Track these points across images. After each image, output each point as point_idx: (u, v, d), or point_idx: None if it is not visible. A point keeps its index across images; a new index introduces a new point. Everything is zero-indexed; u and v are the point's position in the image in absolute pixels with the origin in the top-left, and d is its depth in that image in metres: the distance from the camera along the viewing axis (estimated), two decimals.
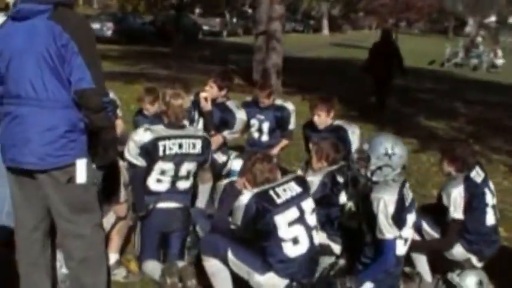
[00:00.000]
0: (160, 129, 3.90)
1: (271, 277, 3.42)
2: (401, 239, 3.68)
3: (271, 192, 3.43)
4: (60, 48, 2.97)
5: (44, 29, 2.99)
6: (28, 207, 3.24)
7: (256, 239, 3.46)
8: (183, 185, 4.00)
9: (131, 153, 3.82)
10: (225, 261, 3.52)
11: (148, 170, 3.92)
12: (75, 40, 2.97)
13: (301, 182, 3.66)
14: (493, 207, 4.32)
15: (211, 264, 3.55)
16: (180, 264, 3.91)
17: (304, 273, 3.53)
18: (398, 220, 3.59)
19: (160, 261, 4.06)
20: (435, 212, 4.29)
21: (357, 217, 3.99)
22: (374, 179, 3.69)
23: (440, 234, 4.22)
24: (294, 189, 3.53)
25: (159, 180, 3.91)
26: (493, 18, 61.99)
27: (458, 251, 4.20)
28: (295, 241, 3.44)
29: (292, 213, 3.45)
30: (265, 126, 5.99)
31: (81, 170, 3.12)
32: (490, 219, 4.28)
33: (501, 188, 7.03)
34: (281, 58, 12.49)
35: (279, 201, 3.41)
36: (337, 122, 5.21)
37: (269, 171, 3.54)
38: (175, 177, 3.94)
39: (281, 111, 6.04)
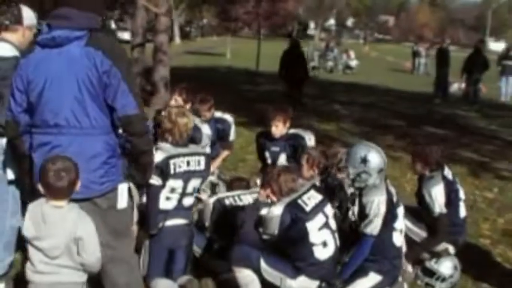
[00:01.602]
0: (168, 147, 3.99)
1: (303, 280, 3.74)
2: (396, 231, 4.17)
3: (300, 201, 3.74)
4: (102, 75, 3.02)
5: (83, 56, 3.02)
6: None
7: (288, 245, 3.72)
8: (188, 201, 4.12)
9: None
10: (257, 271, 3.73)
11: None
12: (117, 66, 3.05)
13: (319, 189, 4.01)
14: (464, 201, 4.96)
15: (245, 275, 3.75)
16: (186, 277, 4.05)
17: (332, 274, 3.86)
18: (391, 216, 4.09)
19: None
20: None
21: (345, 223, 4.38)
22: (356, 185, 4.13)
23: (427, 231, 4.75)
24: (316, 196, 3.87)
25: (168, 198, 4.00)
26: (332, 21, 66.59)
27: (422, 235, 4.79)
28: (324, 244, 3.77)
29: (320, 218, 3.78)
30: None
31: (123, 195, 3.23)
32: (463, 211, 4.92)
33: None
34: (168, 71, 12.65)
35: (307, 209, 3.74)
36: (293, 131, 5.59)
37: (292, 181, 3.81)
38: (183, 194, 4.05)
39: (222, 123, 6.25)
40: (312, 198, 3.82)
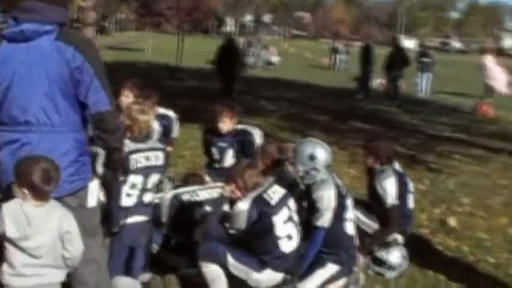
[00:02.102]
0: (127, 143, 3.94)
1: (268, 273, 3.83)
2: (347, 221, 4.35)
3: (265, 196, 3.83)
4: (74, 71, 2.98)
5: (54, 51, 2.96)
6: None
7: (254, 239, 3.78)
8: (148, 197, 4.10)
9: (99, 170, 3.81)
10: (223, 266, 3.78)
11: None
12: (90, 62, 3.01)
13: (283, 183, 4.10)
14: (413, 192, 5.20)
15: (212, 270, 3.79)
16: (148, 275, 4.04)
17: (296, 266, 3.96)
18: (341, 207, 4.28)
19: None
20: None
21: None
22: (306, 182, 4.27)
23: (378, 223, 4.94)
24: (280, 191, 3.96)
25: (128, 195, 3.96)
26: (249, 17, 67.09)
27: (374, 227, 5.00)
28: (289, 237, 3.87)
29: (284, 212, 3.88)
30: None
31: (93, 194, 3.20)
32: (411, 203, 5.16)
33: (351, 175, 8.15)
34: None
35: (273, 203, 3.83)
36: (240, 126, 5.66)
37: (256, 176, 3.88)
38: (143, 190, 4.02)
39: (166, 120, 6.23)
40: (276, 193, 3.91)
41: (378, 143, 5.17)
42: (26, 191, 2.84)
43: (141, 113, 4.02)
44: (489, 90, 18.85)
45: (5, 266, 2.95)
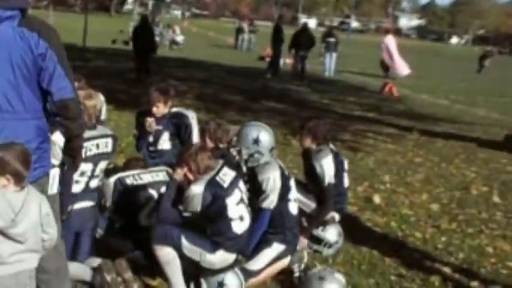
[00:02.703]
0: None
1: (221, 254, 3.88)
2: (291, 201, 4.49)
3: (218, 179, 3.86)
4: (37, 58, 2.93)
5: (17, 37, 2.89)
6: None
7: (208, 221, 3.82)
8: (94, 183, 4.05)
9: (57, 158, 3.71)
10: (178, 248, 3.80)
11: None
12: (53, 49, 2.97)
13: (231, 165, 4.12)
14: (347, 171, 5.38)
15: (166, 253, 3.80)
16: (97, 260, 4.01)
17: (247, 247, 4.04)
18: (285, 188, 4.41)
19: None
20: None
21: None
22: (249, 165, 4.37)
23: (317, 202, 5.08)
24: (230, 173, 4.00)
25: (77, 182, 3.89)
26: None
27: (312, 206, 5.16)
28: (241, 219, 3.93)
29: (236, 194, 3.93)
30: None
31: (54, 181, 3.24)
32: (346, 181, 5.34)
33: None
34: None
35: (225, 185, 3.87)
36: (175, 109, 5.64)
37: (208, 158, 3.90)
38: (91, 177, 3.98)
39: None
40: (227, 175, 3.94)
41: (315, 123, 5.28)
42: (9, 177, 2.80)
43: (88, 98, 3.95)
44: (385, 69, 19.85)
45: None
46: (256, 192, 4.31)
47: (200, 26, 53.36)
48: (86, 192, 3.98)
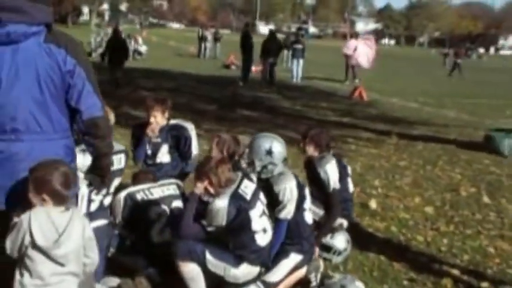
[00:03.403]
0: None
1: (245, 268, 3.87)
2: (307, 211, 4.51)
3: (240, 191, 3.84)
4: (65, 75, 2.87)
5: (44, 54, 2.83)
6: None
7: (232, 235, 3.79)
8: (108, 201, 4.00)
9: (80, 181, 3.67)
10: (202, 264, 3.77)
11: None
12: (81, 65, 2.92)
13: (250, 178, 4.12)
14: (351, 176, 5.43)
15: (190, 269, 3.77)
16: (115, 280, 3.95)
17: (269, 258, 4.04)
18: (301, 198, 4.41)
19: None
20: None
21: None
22: (262, 177, 4.37)
23: (324, 209, 5.10)
24: (250, 185, 4.00)
25: (92, 200, 3.83)
26: (106, 6, 65.26)
27: (320, 214, 5.18)
28: (264, 231, 3.93)
29: (259, 206, 3.93)
30: None
31: (83, 201, 3.36)
32: (351, 187, 5.38)
33: None
34: None
35: (248, 197, 3.87)
36: (174, 121, 5.59)
37: (229, 171, 3.87)
38: (106, 195, 3.92)
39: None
40: (248, 187, 3.94)
41: (317, 131, 5.32)
42: (46, 197, 2.76)
43: None
44: (353, 72, 20.27)
45: (28, 279, 2.80)
46: (272, 203, 4.29)
47: (159, 35, 53.08)
48: (100, 210, 3.93)
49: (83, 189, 3.22)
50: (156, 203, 4.40)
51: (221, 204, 3.70)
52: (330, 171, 4.99)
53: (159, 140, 5.43)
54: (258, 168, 4.31)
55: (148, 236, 4.27)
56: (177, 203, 4.51)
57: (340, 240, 5.14)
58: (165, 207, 4.43)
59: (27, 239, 2.75)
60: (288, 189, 4.25)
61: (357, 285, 4.19)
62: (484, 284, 4.80)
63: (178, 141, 5.48)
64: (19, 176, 2.82)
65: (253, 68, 21.78)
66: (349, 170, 5.43)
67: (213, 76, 21.87)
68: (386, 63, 35.86)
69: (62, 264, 2.82)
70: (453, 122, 14.31)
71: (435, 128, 13.15)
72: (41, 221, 2.76)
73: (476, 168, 9.15)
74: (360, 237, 5.68)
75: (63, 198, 2.82)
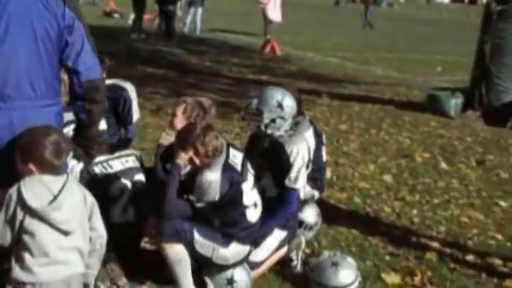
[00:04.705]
0: None
1: (234, 247, 3.95)
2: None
3: (231, 162, 3.89)
4: (63, 30, 2.85)
5: (39, 5, 2.78)
6: None
7: (221, 211, 3.86)
8: None
9: None
10: (190, 244, 3.82)
11: None
12: (80, 20, 2.91)
13: (234, 146, 4.18)
14: (325, 144, 5.60)
15: (177, 251, 3.80)
16: None
17: (259, 236, 4.15)
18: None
19: None
20: None
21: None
22: (268, 131, 4.46)
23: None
24: (238, 154, 4.05)
25: None
26: None
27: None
28: (255, 205, 4.02)
29: (250, 178, 4.00)
30: None
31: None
32: (324, 155, 5.55)
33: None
34: None
35: (239, 168, 3.92)
36: (110, 81, 5.49)
37: (216, 139, 3.90)
38: None
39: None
40: (237, 157, 3.97)
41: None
42: (32, 167, 2.75)
43: None
44: (268, 25, 20.54)
45: (31, 260, 2.77)
46: (280, 167, 4.36)
47: None
48: None
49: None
50: (116, 177, 4.36)
51: (213, 176, 3.73)
52: (307, 137, 4.97)
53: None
54: (266, 121, 4.38)
55: (109, 215, 4.24)
56: (140, 177, 4.50)
57: (310, 214, 5.31)
58: (126, 181, 4.40)
59: (20, 212, 2.73)
60: (301, 152, 4.37)
61: (349, 261, 4.39)
62: (470, 257, 5.15)
63: (115, 105, 5.38)
64: (11, 151, 2.77)
65: (146, 17, 21.45)
66: (324, 138, 5.57)
67: (93, 26, 21.28)
68: (287, 13, 36.36)
69: (65, 233, 2.80)
70: (383, 79, 14.90)
71: (366, 86, 13.65)
72: (33, 186, 2.75)
73: (424, 132, 9.65)
74: (324, 210, 5.85)
75: (53, 168, 2.80)
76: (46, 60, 2.83)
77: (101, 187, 4.29)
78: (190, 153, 3.83)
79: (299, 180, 4.41)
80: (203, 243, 3.84)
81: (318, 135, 5.39)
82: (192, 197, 3.83)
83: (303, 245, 4.73)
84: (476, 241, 5.52)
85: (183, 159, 3.85)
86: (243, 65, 15.59)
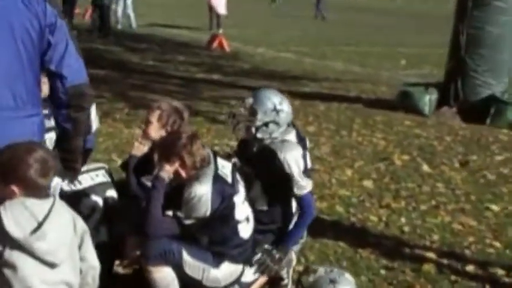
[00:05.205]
0: None
1: (226, 267, 3.92)
2: None
3: (221, 173, 3.85)
4: (44, 29, 2.79)
5: (18, 3, 2.73)
6: None
7: (209, 228, 3.81)
8: None
9: None
10: (178, 266, 3.77)
11: None
12: (61, 17, 2.87)
13: (221, 156, 4.17)
14: (308, 149, 5.60)
15: (165, 275, 3.75)
16: None
17: (252, 254, 4.13)
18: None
19: None
20: None
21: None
22: (259, 135, 4.43)
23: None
24: (227, 164, 4.02)
25: None
26: None
27: None
28: (247, 220, 3.99)
29: (241, 190, 3.99)
30: None
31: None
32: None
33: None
34: None
35: (229, 180, 3.89)
36: None
37: (203, 148, 3.87)
38: None
39: None
40: (225, 167, 3.94)
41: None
42: (15, 188, 2.67)
43: None
44: (217, 19, 20.57)
45: None
46: (274, 175, 4.31)
47: None
48: None
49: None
50: (85, 193, 4.28)
51: (203, 190, 3.68)
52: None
53: (46, 111, 5.22)
54: (259, 123, 4.30)
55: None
56: (111, 192, 4.42)
57: None
58: (97, 198, 4.32)
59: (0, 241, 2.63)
60: (296, 159, 4.34)
61: (347, 277, 4.40)
62: (470, 268, 5.22)
63: None
64: None
65: (76, 10, 21.21)
66: (308, 142, 5.56)
67: None
68: (231, 4, 36.39)
69: (51, 265, 2.70)
70: (344, 75, 15.05)
71: (327, 83, 13.77)
72: (14, 211, 2.65)
73: (399, 132, 9.78)
74: None
75: (39, 189, 2.72)
76: (27, 65, 2.76)
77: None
78: (176, 164, 3.78)
79: (308, 184, 4.40)
80: (193, 265, 3.80)
81: (300, 139, 5.37)
82: (180, 213, 3.77)
83: (294, 262, 4.71)
84: (474, 250, 5.60)
85: (167, 171, 3.79)
86: (190, 63, 15.55)
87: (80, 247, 2.86)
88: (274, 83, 13.21)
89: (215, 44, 18.28)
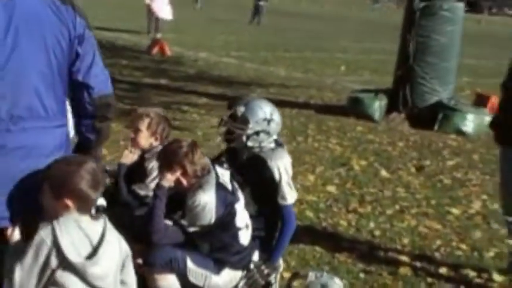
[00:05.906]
0: None
1: (227, 274, 4.01)
2: None
3: (222, 181, 3.94)
4: (73, 40, 2.81)
5: (48, 12, 2.73)
6: None
7: (210, 236, 3.91)
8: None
9: None
10: (182, 274, 3.84)
11: None
12: (90, 28, 2.90)
13: (219, 163, 4.23)
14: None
15: (170, 283, 3.81)
16: None
17: (251, 259, 4.22)
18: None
19: None
20: None
21: None
22: (249, 144, 4.53)
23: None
24: (225, 172, 4.10)
25: None
26: None
27: None
28: (247, 227, 4.09)
29: (241, 197, 4.09)
30: None
31: None
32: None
33: None
34: None
35: (230, 187, 3.99)
36: None
37: (204, 156, 3.95)
38: None
39: None
40: (225, 175, 4.02)
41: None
42: (69, 202, 2.67)
43: None
44: (156, 23, 20.56)
45: None
46: (263, 183, 4.39)
47: None
48: None
49: None
50: None
51: (207, 198, 3.76)
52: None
53: None
54: (250, 131, 4.36)
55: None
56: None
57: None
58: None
59: (54, 260, 2.61)
60: (283, 166, 4.40)
61: (337, 282, 4.53)
62: (443, 270, 5.43)
63: None
64: (21, 178, 2.71)
65: None
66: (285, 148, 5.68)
67: None
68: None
69: None
70: (289, 81, 15.25)
71: (274, 89, 13.93)
72: (71, 232, 2.65)
73: (353, 137, 10.01)
74: None
75: (90, 203, 2.75)
76: (57, 76, 2.78)
77: None
78: (178, 173, 3.84)
79: (292, 195, 4.50)
80: (196, 272, 3.86)
81: (278, 145, 5.50)
82: (183, 221, 3.83)
83: (281, 268, 4.82)
84: (443, 252, 5.82)
85: (168, 180, 3.85)
86: (133, 67, 15.47)
87: (121, 271, 2.88)
88: (222, 88, 13.34)
89: (156, 49, 18.21)
